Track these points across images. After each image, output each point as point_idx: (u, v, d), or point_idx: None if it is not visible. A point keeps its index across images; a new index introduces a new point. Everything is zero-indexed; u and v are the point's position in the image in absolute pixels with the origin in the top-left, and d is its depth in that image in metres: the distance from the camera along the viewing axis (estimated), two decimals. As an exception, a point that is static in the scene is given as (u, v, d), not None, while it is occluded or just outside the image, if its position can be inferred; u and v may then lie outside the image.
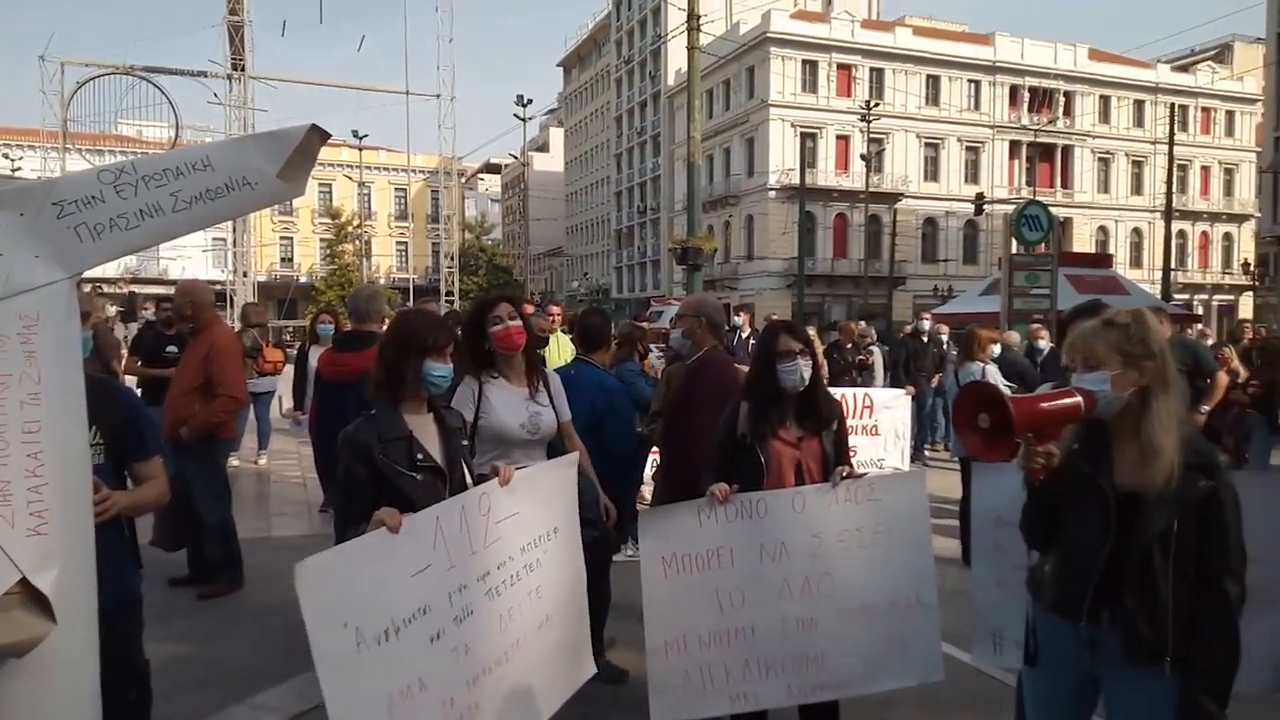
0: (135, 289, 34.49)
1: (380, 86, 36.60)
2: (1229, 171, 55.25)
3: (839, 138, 47.36)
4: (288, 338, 50.91)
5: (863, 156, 41.16)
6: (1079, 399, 2.20)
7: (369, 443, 2.63)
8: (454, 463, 2.78)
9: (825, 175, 46.37)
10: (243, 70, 31.40)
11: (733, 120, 49.70)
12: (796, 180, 38.93)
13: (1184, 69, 55.96)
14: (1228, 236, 55.32)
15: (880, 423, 8.83)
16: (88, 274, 2.32)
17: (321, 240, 61.12)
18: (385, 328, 3.82)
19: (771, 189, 46.32)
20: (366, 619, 2.19)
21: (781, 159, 45.96)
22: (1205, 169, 54.55)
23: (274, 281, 57.71)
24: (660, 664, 3.13)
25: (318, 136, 2.13)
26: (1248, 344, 10.32)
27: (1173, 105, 41.79)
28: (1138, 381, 2.23)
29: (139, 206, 2.02)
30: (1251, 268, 46.81)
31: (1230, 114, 55.12)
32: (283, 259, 64.64)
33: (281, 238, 64.60)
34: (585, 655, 3.14)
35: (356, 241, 56.36)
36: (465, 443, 2.95)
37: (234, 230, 35.03)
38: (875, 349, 11.76)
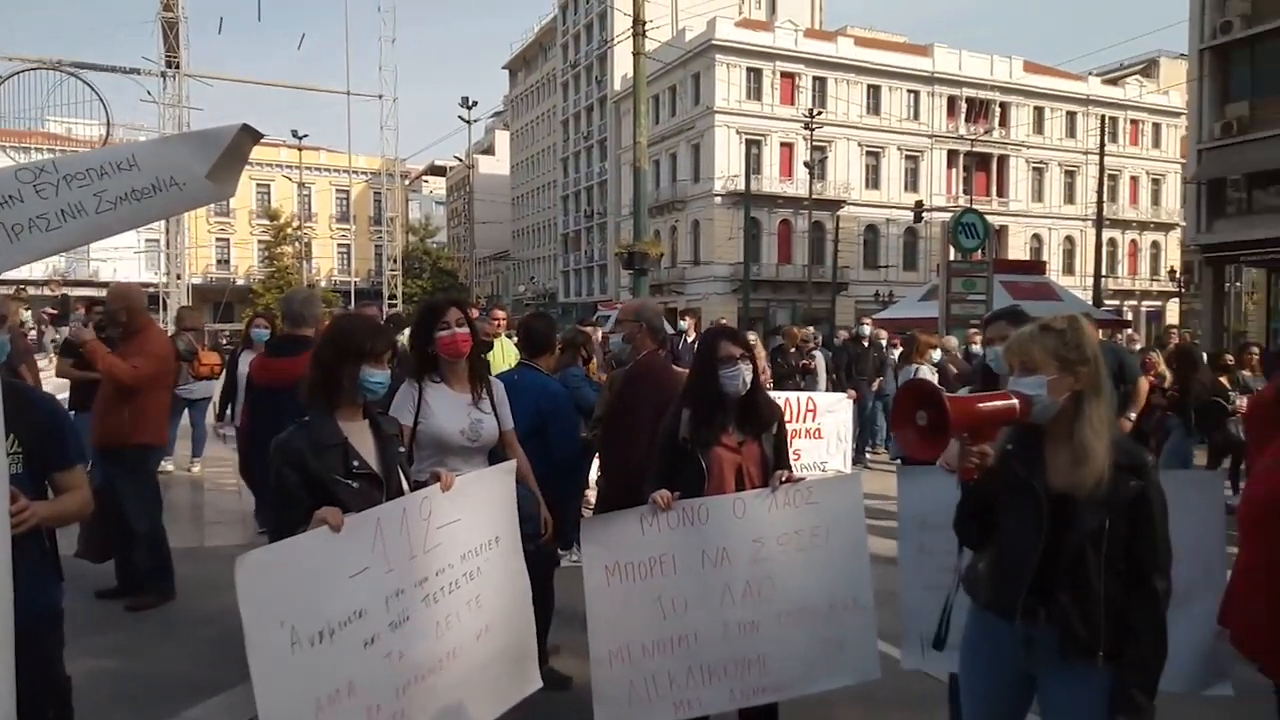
0: (66, 291, 33.28)
1: (321, 86, 36.00)
2: (1156, 182, 57.26)
3: (783, 145, 47.93)
4: (224, 341, 49.70)
5: (806, 164, 41.70)
6: (1015, 401, 2.25)
7: (302, 450, 2.58)
8: (390, 470, 2.74)
9: (770, 182, 46.88)
10: (177, 68, 30.57)
11: (679, 126, 49.97)
12: (742, 186, 39.25)
13: (1114, 82, 57.85)
14: (1155, 244, 57.30)
15: (823, 426, 8.94)
16: (10, 275, 2.24)
17: (260, 242, 59.70)
18: (321, 332, 3.75)
19: (717, 195, 46.67)
20: (303, 619, 2.17)
21: (727, 165, 46.33)
22: (1134, 179, 56.44)
23: (210, 284, 56.21)
24: (604, 674, 3.11)
25: (249, 136, 2.09)
26: (1173, 349, 10.72)
27: (1103, 117, 43.13)
28: (1072, 386, 2.28)
29: (60, 207, 1.95)
30: (1177, 275, 48.66)
31: (1157, 126, 57.15)
32: (219, 261, 63.03)
33: (218, 239, 63.00)
34: (529, 668, 3.10)
35: (296, 243, 55.20)
36: (402, 449, 2.91)
37: (168, 231, 34.02)
38: (818, 353, 11.92)
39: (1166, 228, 56.00)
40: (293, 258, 54.99)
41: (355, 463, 2.64)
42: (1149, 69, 60.79)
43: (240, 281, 57.07)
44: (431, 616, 2.58)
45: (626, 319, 4.17)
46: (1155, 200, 57.21)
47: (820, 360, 11.78)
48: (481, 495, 2.92)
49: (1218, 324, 26.23)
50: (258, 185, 63.23)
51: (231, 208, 62.19)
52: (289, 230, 56.30)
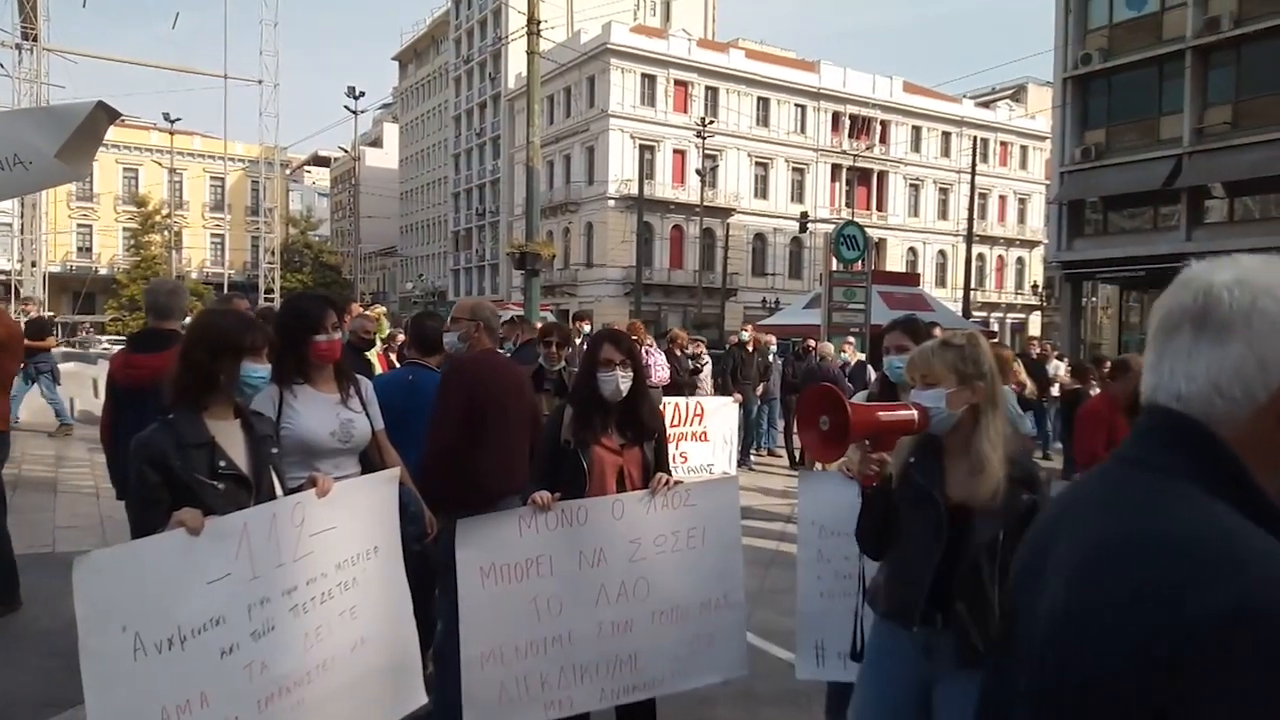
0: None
1: (196, 69, 34.22)
2: (1023, 201, 60.71)
3: (676, 151, 48.51)
4: (87, 333, 46.58)
5: (698, 171, 42.35)
6: (914, 413, 2.29)
7: (165, 449, 2.45)
8: (261, 473, 2.62)
9: (663, 187, 47.35)
10: (35, 41, 28.47)
11: (573, 128, 49.91)
12: (635, 190, 39.53)
13: (986, 105, 61.08)
14: (1020, 260, 60.74)
15: (709, 429, 9.10)
16: None
17: (125, 230, 56.31)
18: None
19: (611, 198, 46.84)
20: (149, 624, 2.06)
21: (621, 169, 46.57)
22: (1003, 198, 59.69)
23: (70, 273, 52.74)
24: (475, 677, 3.06)
25: (105, 115, 1.97)
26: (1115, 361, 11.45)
27: (975, 138, 45.65)
28: (970, 399, 2.35)
29: (-116, 183, 1.78)
30: (1040, 289, 51.79)
31: (1024, 149, 60.62)
32: (80, 248, 59.19)
33: (79, 225, 59.15)
34: (413, 682, 2.99)
35: (165, 232, 52.30)
36: (275, 450, 2.78)
37: (22, 215, 31.64)
38: (706, 357, 12.11)
39: (1031, 244, 59.39)
40: (161, 247, 52.12)
41: (222, 463, 2.52)
42: (1018, 94, 64.45)
43: (103, 271, 53.66)
44: (300, 627, 2.48)
45: (463, 318, 4.00)
46: (1021, 219, 60.64)
47: (707, 364, 11.99)
48: (361, 503, 2.80)
49: (1075, 337, 28.05)
50: (124, 169, 59.75)
51: (95, 192, 58.52)
52: (158, 218, 53.33)
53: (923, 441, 2.36)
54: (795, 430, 12.33)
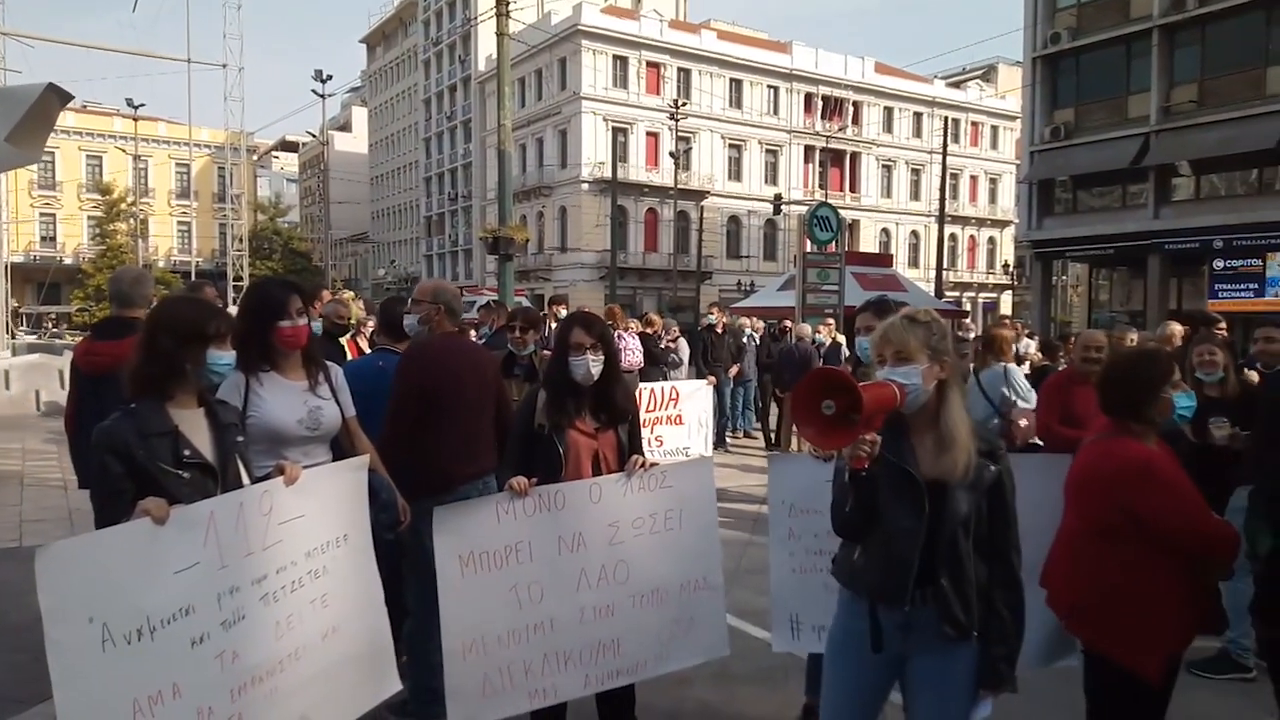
0: None
1: (159, 53, 33.52)
2: (993, 181, 61.16)
3: (649, 134, 48.32)
4: (50, 325, 45.73)
5: (671, 154, 42.24)
6: (895, 389, 2.28)
7: (127, 438, 2.41)
8: (226, 461, 2.58)
9: (636, 170, 47.19)
10: (-10, 23, 27.74)
11: (545, 110, 49.55)
12: (609, 173, 39.37)
13: (957, 85, 61.35)
14: (992, 240, 61.27)
15: (684, 412, 9.11)
16: None
17: (90, 218, 55.30)
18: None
19: (584, 181, 46.60)
20: (116, 615, 2.03)
21: (594, 151, 46.32)
22: (974, 178, 60.09)
23: (33, 263, 51.71)
24: (457, 667, 3.03)
25: (57, 98, 1.92)
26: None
27: (946, 119, 45.84)
28: (939, 375, 2.36)
29: None
30: (1010, 269, 52.29)
31: (995, 129, 61.01)
32: (43, 238, 58.08)
33: (42, 214, 58.02)
34: (386, 670, 2.96)
35: (131, 220, 51.39)
36: (241, 439, 2.74)
37: (-20, 203, 30.94)
38: (682, 340, 12.11)
39: (1002, 224, 59.93)
40: (127, 235, 51.22)
41: (186, 452, 2.48)
42: (989, 74, 64.80)
43: (68, 261, 52.68)
44: (270, 616, 2.45)
45: (424, 300, 3.97)
46: (993, 198, 61.12)
47: (683, 347, 11.99)
48: (329, 490, 2.77)
49: (1046, 315, 28.38)
50: (88, 157, 58.65)
51: (58, 180, 57.41)
52: (123, 206, 52.40)
53: (889, 421, 2.35)
54: (776, 413, 12.41)
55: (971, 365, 6.82)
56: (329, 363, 3.56)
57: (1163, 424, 2.81)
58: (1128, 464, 2.66)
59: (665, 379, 10.34)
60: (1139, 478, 2.64)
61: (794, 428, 10.70)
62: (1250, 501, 3.49)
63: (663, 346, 11.42)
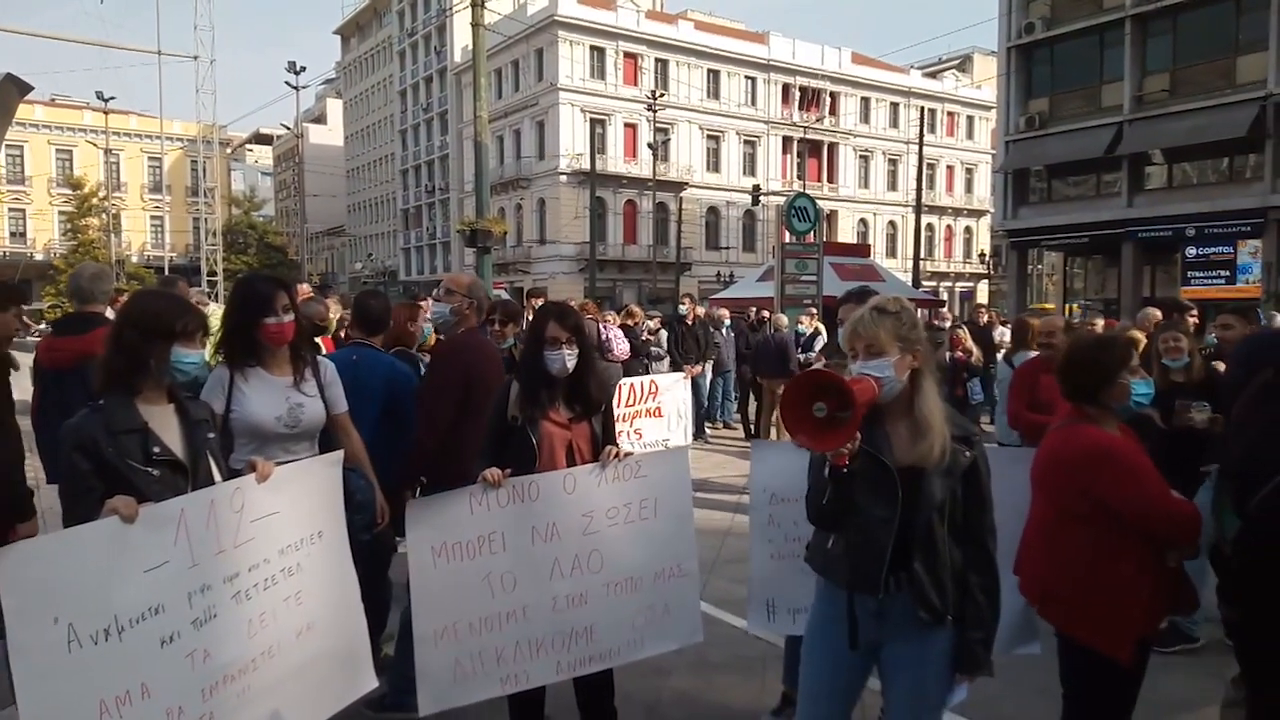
0: None
1: (129, 44, 33.04)
2: (970, 171, 61.52)
3: (627, 125, 48.17)
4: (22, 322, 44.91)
5: (650, 145, 42.13)
6: (873, 383, 2.30)
7: (95, 435, 2.38)
8: (198, 458, 2.55)
9: (615, 162, 47.03)
10: (-47, 15, 27.19)
11: (522, 102, 49.27)
12: (587, 165, 39.23)
13: (933, 76, 61.60)
14: (968, 230, 61.65)
15: (663, 405, 9.11)
16: None
17: (61, 213, 54.47)
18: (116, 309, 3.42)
19: (563, 173, 46.41)
20: (83, 615, 2.00)
21: (572, 143, 46.13)
22: (950, 168, 60.40)
23: (2, 259, 50.95)
24: (429, 653, 3.05)
25: (14, 89, 1.89)
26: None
27: (923, 109, 45.97)
28: (911, 365, 2.38)
29: None
30: (987, 258, 52.66)
31: (971, 119, 61.31)
32: (13, 234, 57.18)
33: (11, 209, 57.11)
34: (362, 667, 2.94)
35: (103, 215, 50.71)
36: (213, 435, 2.71)
37: (-53, 199, 30.43)
38: (663, 332, 12.10)
39: (978, 214, 60.31)
40: (99, 230, 50.53)
41: (156, 449, 2.45)
42: (964, 64, 65.11)
43: (39, 257, 51.93)
44: (243, 614, 2.43)
45: (460, 292, 3.99)
46: (969, 188, 61.47)
47: (663, 339, 11.99)
48: (302, 487, 2.74)
49: (1021, 304, 28.60)
50: (58, 151, 57.77)
51: (27, 175, 56.49)
52: (95, 201, 51.67)
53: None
54: (755, 403, 12.43)
55: (1000, 355, 6.99)
56: (322, 359, 3.54)
57: (1120, 410, 2.84)
58: (1088, 450, 2.70)
59: (648, 371, 10.35)
60: (1100, 462, 2.68)
61: (774, 417, 10.75)
62: (1216, 483, 3.55)
63: (644, 338, 11.41)
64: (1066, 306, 27.37)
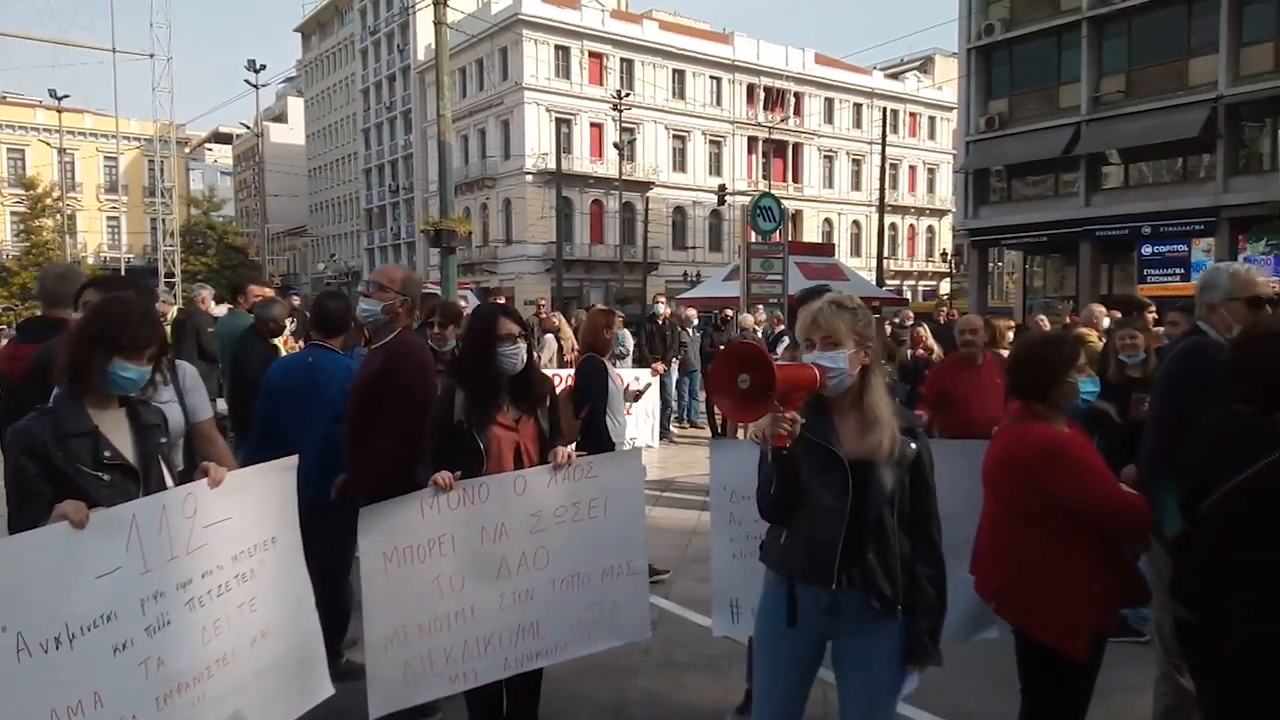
0: None
1: (82, 42, 32.36)
2: (931, 171, 62.25)
3: (593, 125, 48.07)
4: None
5: (616, 145, 42.10)
6: (816, 371, 2.34)
7: (44, 438, 2.32)
8: (149, 463, 2.51)
9: (581, 161, 46.93)
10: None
11: (487, 101, 48.98)
12: (553, 165, 39.10)
13: (895, 76, 62.23)
14: (930, 229, 62.39)
15: (631, 403, 9.11)
16: None
17: (14, 214, 53.16)
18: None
19: (528, 173, 46.20)
20: (32, 623, 1.96)
21: (537, 143, 45.94)
22: (913, 168, 61.08)
23: (-48, 260, 49.63)
24: (380, 659, 3.04)
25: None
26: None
27: (885, 110, 46.52)
28: (863, 360, 2.44)
29: None
30: (949, 257, 53.35)
31: (933, 119, 62.03)
32: (-37, 234, 55.69)
33: (-40, 209, 55.62)
34: (318, 673, 2.90)
35: (57, 216, 49.59)
36: (164, 440, 2.66)
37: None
38: (625, 332, 12.08)
39: (940, 213, 61.02)
40: (53, 232, 49.41)
41: (107, 453, 2.40)
42: (926, 65, 65.85)
43: (-10, 258, 50.62)
44: (196, 621, 2.39)
45: (392, 288, 3.70)
46: (931, 188, 62.18)
47: (628, 338, 11.98)
48: (256, 492, 2.70)
49: (982, 302, 29.02)
50: (9, 150, 56.38)
51: (-24, 174, 55.04)
52: (48, 201, 50.51)
53: (811, 403, 2.42)
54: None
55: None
56: (181, 362, 3.43)
57: (1068, 407, 2.89)
58: (1038, 447, 2.75)
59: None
60: (1049, 459, 2.72)
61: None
62: (1151, 481, 3.59)
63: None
64: (1026, 304, 27.81)
